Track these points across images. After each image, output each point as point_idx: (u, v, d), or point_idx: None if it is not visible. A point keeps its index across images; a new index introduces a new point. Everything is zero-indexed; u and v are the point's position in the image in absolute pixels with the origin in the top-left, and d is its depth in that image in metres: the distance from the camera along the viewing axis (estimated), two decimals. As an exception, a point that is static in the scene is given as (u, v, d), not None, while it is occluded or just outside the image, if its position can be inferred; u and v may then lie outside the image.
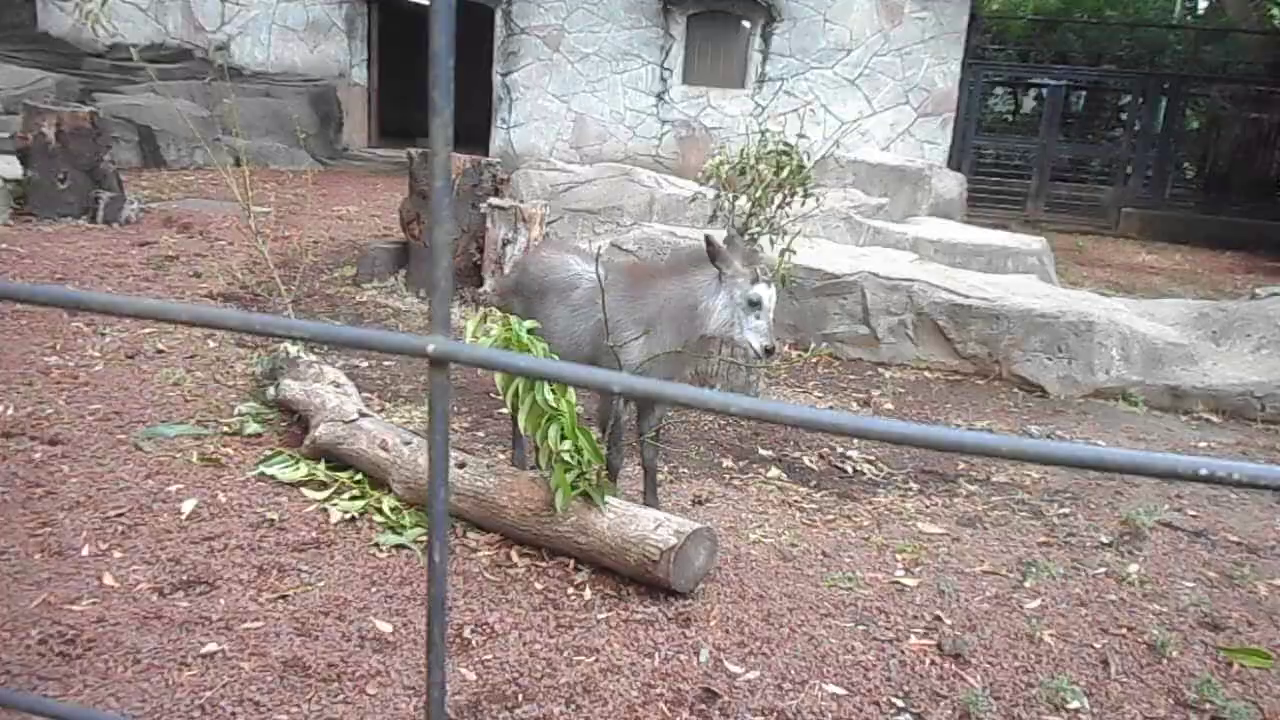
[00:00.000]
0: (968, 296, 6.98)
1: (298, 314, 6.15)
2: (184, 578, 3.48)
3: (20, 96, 11.30)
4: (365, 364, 6.10)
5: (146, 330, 6.21)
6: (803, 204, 5.91)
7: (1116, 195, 16.29)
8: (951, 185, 12.27)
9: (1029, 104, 19.74)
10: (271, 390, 5.05)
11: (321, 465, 4.38)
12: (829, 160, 9.94)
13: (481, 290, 7.45)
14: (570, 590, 3.64)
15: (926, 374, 6.98)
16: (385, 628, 3.28)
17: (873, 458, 5.36)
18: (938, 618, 3.65)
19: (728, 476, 4.92)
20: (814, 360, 7.05)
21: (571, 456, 3.61)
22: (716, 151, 6.26)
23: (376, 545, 3.83)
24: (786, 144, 5.74)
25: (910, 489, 4.92)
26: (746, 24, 15.48)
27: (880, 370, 6.99)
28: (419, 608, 3.41)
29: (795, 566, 3.98)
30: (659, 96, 15.95)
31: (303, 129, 12.80)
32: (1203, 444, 5.91)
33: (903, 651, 3.41)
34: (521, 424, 3.71)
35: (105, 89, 13.75)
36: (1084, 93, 18.37)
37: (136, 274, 7.45)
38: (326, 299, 7.56)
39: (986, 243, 9.36)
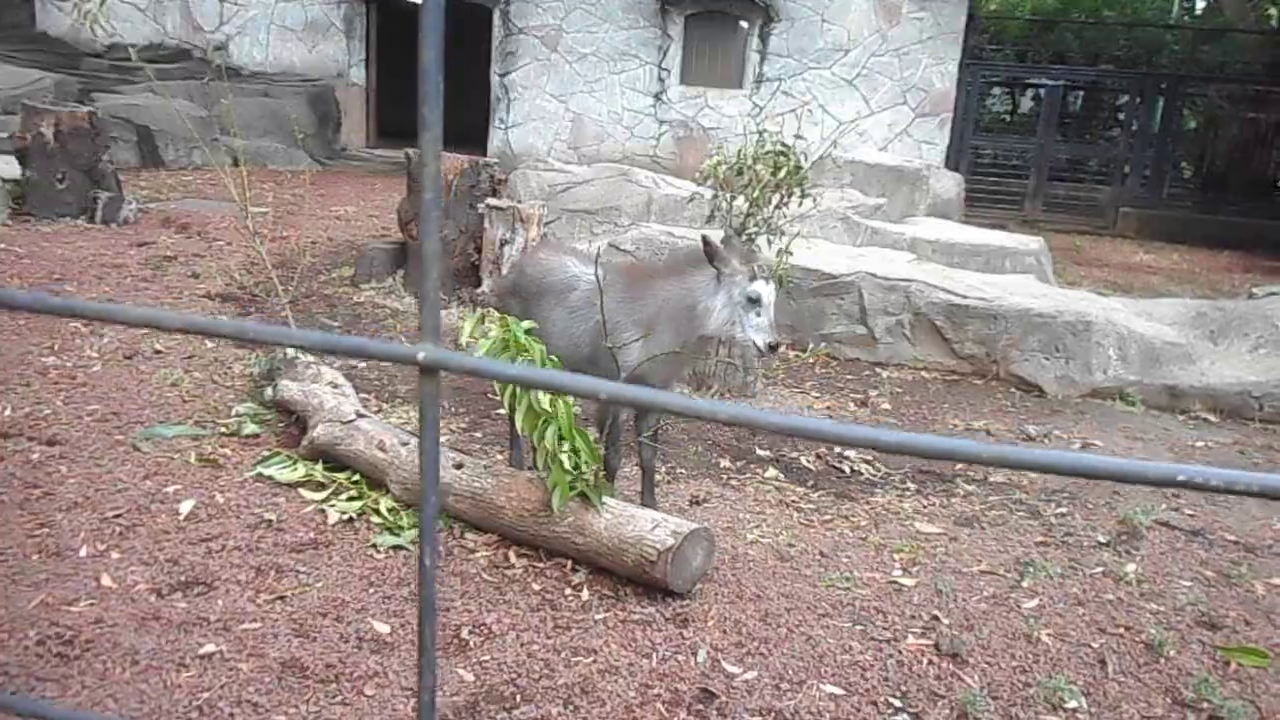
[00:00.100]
0: (965, 296, 6.99)
1: (295, 314, 6.15)
2: (182, 578, 3.48)
3: (18, 96, 11.29)
4: (363, 365, 6.10)
5: (144, 331, 6.21)
6: (800, 204, 5.92)
7: (1114, 195, 16.29)
8: (949, 185, 12.28)
9: (1026, 104, 19.74)
10: (269, 391, 5.05)
11: (319, 466, 4.38)
12: (827, 160, 9.94)
13: (479, 290, 7.45)
14: (568, 591, 3.64)
15: (924, 374, 6.99)
16: (383, 629, 3.29)
17: (870, 458, 5.36)
18: (935, 617, 3.66)
19: (725, 477, 4.92)
20: (811, 360, 7.05)
21: (569, 457, 3.61)
22: (714, 152, 6.27)
23: (374, 546, 3.84)
24: (784, 144, 5.75)
25: (908, 489, 4.92)
26: (744, 24, 15.48)
27: (878, 370, 6.99)
28: (416, 608, 3.41)
29: (793, 566, 3.98)
30: (657, 97, 15.95)
31: (301, 129, 12.80)
32: (1200, 443, 5.92)
33: (900, 651, 3.41)
34: (519, 425, 3.72)
35: (104, 89, 13.74)
36: (1081, 93, 18.37)
37: (135, 274, 7.45)
38: (324, 299, 7.56)
39: (984, 243, 9.37)
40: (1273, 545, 4.50)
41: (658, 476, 4.42)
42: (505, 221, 7.34)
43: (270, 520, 3.95)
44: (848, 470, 5.14)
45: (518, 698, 2.99)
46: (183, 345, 6.02)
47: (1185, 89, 16.70)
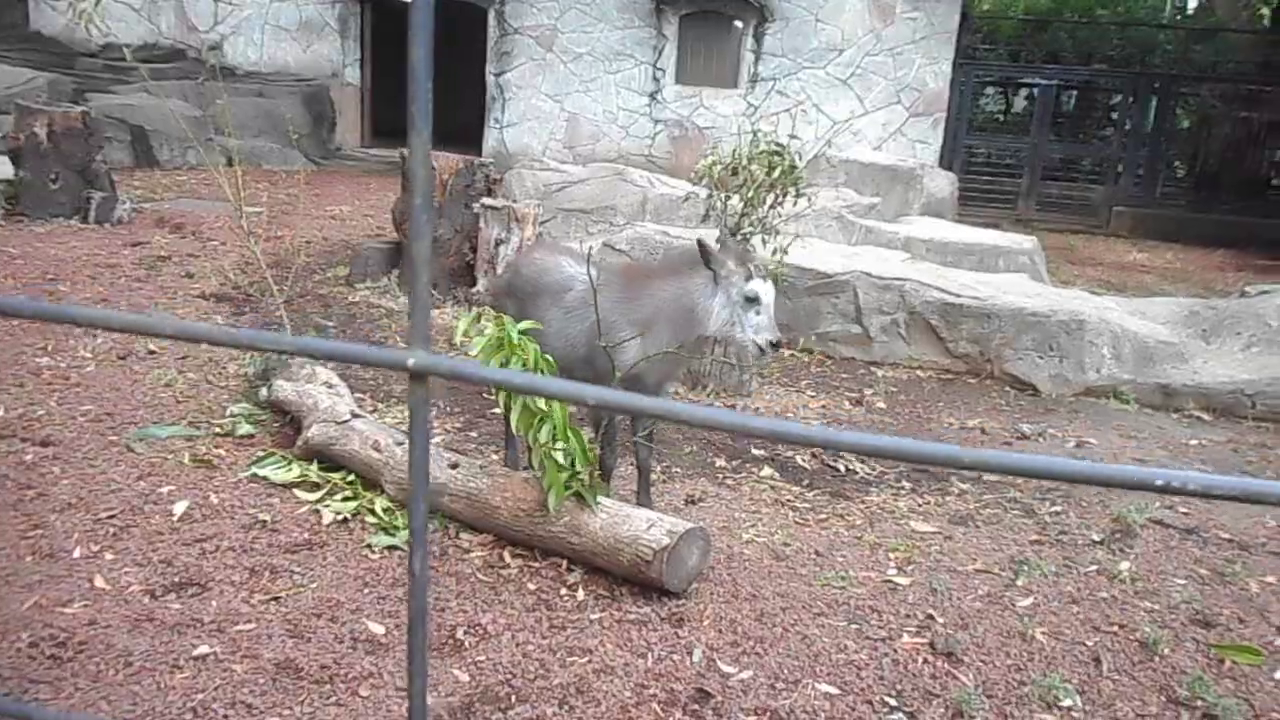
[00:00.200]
0: (959, 295, 7.00)
1: (290, 314, 6.14)
2: (176, 580, 3.47)
3: (12, 96, 11.25)
4: (356, 364, 6.09)
5: (138, 331, 6.19)
6: (795, 204, 5.92)
7: (1107, 194, 16.33)
8: (943, 184, 12.30)
9: (1020, 103, 19.77)
10: (264, 391, 5.04)
11: (314, 466, 4.37)
12: (821, 160, 9.95)
13: (474, 290, 7.45)
14: (563, 591, 3.64)
15: (919, 373, 7.00)
16: (378, 629, 3.28)
17: (865, 457, 5.37)
18: (930, 616, 3.66)
19: (721, 476, 4.92)
20: (807, 359, 7.06)
21: (564, 457, 3.61)
22: (709, 151, 6.27)
23: (369, 546, 3.83)
24: (778, 144, 5.75)
25: (902, 487, 4.93)
26: (739, 24, 15.49)
27: (873, 369, 7.00)
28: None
29: (788, 566, 3.99)
30: (652, 96, 15.95)
31: (296, 129, 12.77)
32: (1194, 441, 5.94)
33: (895, 650, 3.42)
34: (514, 425, 3.71)
35: (98, 89, 13.70)
36: (1075, 92, 18.41)
37: (129, 274, 7.43)
38: (319, 299, 7.54)
39: (978, 242, 9.38)
40: (1266, 543, 4.51)
41: (653, 476, 4.42)
42: (500, 221, 7.34)
43: (265, 521, 3.95)
44: (843, 469, 5.15)
45: (513, 698, 2.99)
46: (177, 345, 6.00)
47: (1178, 88, 16.74)
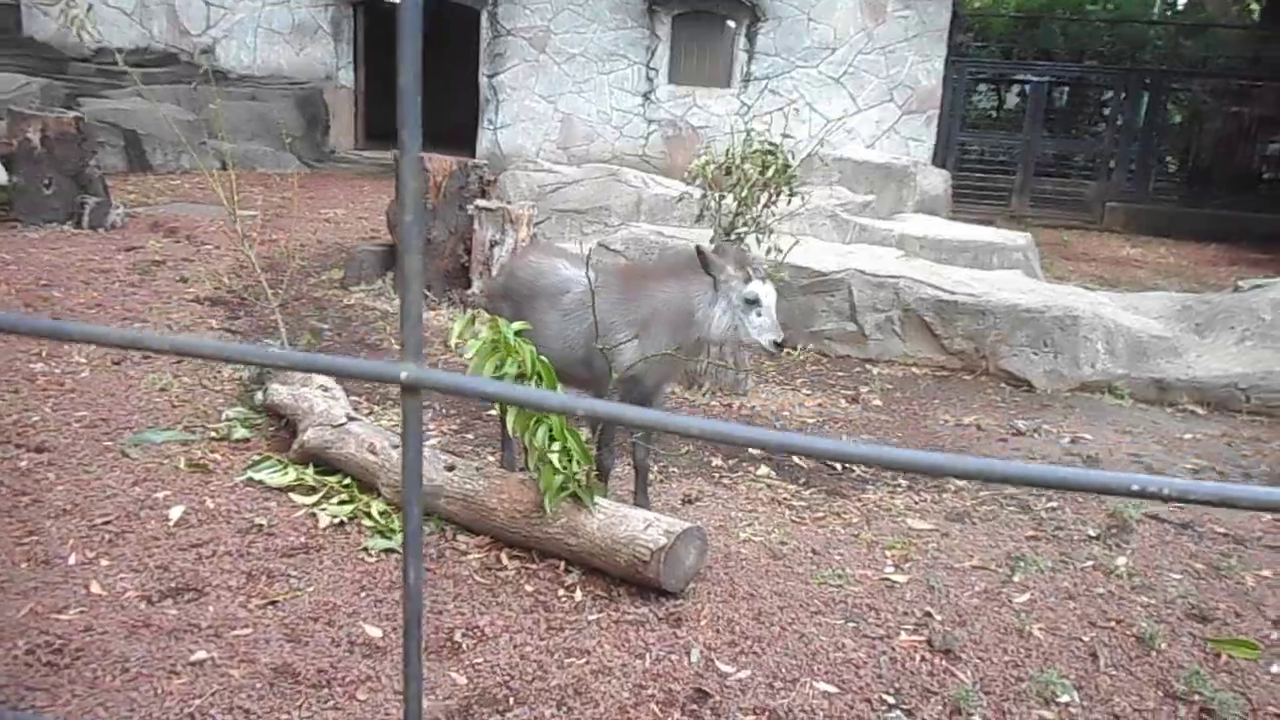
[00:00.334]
0: (954, 292, 7.01)
1: (285, 318, 6.12)
2: (172, 585, 3.46)
3: (5, 102, 11.21)
4: (353, 367, 6.08)
5: (132, 336, 6.18)
6: (788, 203, 5.93)
7: (1100, 190, 16.37)
8: (937, 182, 12.32)
9: (1012, 100, 19.82)
10: (259, 395, 5.04)
11: (310, 470, 4.37)
12: (815, 158, 9.97)
13: (469, 292, 7.44)
14: (561, 592, 3.64)
15: (914, 370, 7.01)
16: (375, 632, 3.28)
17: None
18: (927, 614, 3.67)
19: (717, 475, 4.93)
20: (802, 358, 7.06)
21: (560, 458, 3.61)
22: (702, 151, 6.28)
23: (366, 550, 3.83)
24: (771, 143, 5.76)
25: (899, 485, 4.94)
26: (731, 24, 15.49)
27: (868, 367, 7.01)
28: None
29: (785, 564, 3.99)
30: (645, 96, 15.95)
31: (289, 132, 12.74)
32: (1188, 436, 5.95)
33: (893, 648, 3.42)
34: (510, 426, 3.72)
35: (90, 94, 13.67)
36: (1067, 88, 18.45)
37: (122, 279, 7.41)
38: (314, 302, 7.54)
39: (972, 239, 9.40)
40: (1262, 537, 4.53)
41: (650, 476, 4.42)
42: (495, 223, 7.33)
43: (261, 525, 3.94)
44: (839, 467, 5.15)
45: (511, 700, 2.99)
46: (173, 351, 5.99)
47: (1169, 84, 16.79)
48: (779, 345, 3.87)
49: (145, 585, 3.45)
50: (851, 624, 3.56)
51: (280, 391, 4.84)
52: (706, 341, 3.95)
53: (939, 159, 15.24)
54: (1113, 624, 3.67)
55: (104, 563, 3.57)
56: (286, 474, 4.35)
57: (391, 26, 18.22)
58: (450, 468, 4.04)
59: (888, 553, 4.16)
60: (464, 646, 3.24)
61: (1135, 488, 0.56)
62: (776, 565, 3.98)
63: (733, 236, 6.03)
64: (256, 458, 4.53)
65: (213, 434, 4.78)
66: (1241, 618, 3.78)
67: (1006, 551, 4.24)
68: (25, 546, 3.62)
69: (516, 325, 3.71)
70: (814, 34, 15.35)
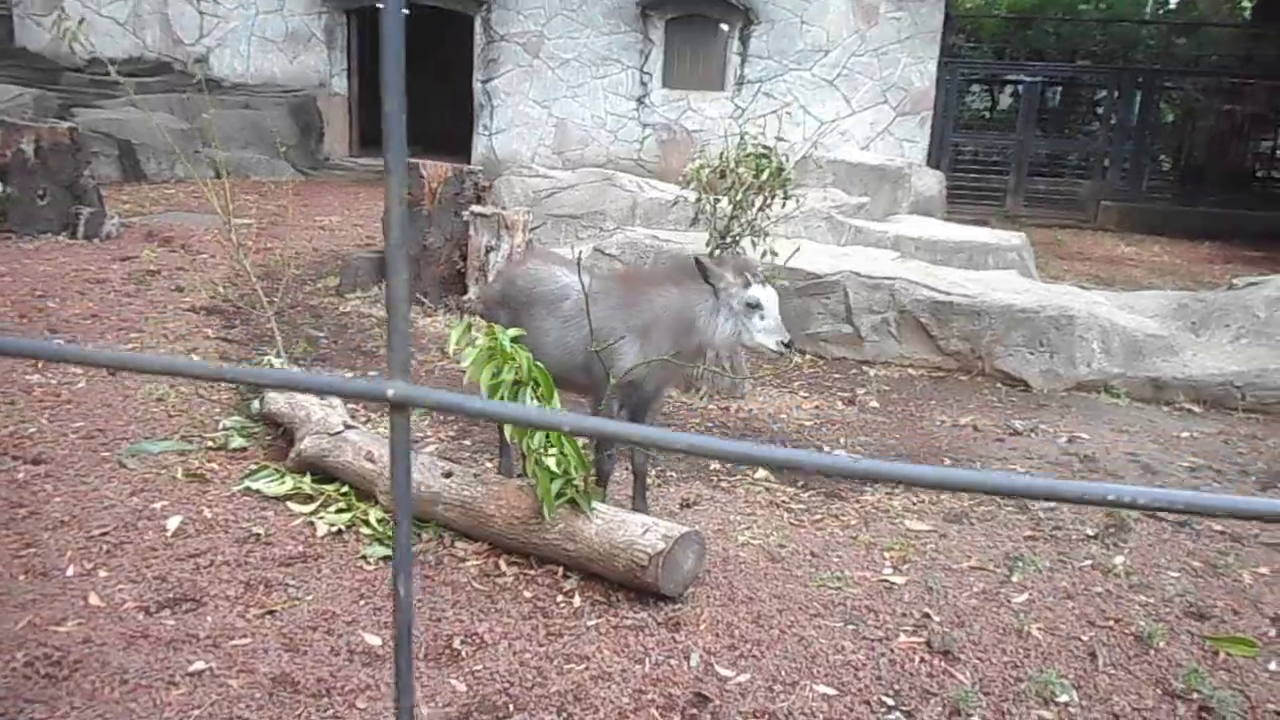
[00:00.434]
0: (949, 293, 7.02)
1: (281, 326, 6.12)
2: (170, 595, 3.46)
3: (-4, 113, 11.21)
4: (350, 374, 6.09)
5: (129, 346, 6.17)
6: (783, 205, 5.94)
7: (1094, 189, 16.40)
8: (931, 183, 12.34)
9: (1005, 100, 19.87)
10: (256, 404, 5.03)
11: (307, 478, 4.36)
12: (809, 161, 9.98)
13: (465, 298, 7.45)
14: (559, 598, 3.64)
15: (910, 371, 7.02)
16: (374, 641, 3.28)
17: (858, 456, 5.38)
18: (926, 615, 3.67)
19: (715, 479, 4.93)
20: (799, 360, 7.07)
21: (558, 464, 3.61)
22: (697, 155, 6.29)
23: (364, 558, 3.83)
24: (765, 146, 5.77)
25: (896, 487, 4.94)
26: (724, 27, 15.52)
27: (865, 369, 7.02)
28: (408, 619, 3.40)
29: (784, 567, 3.99)
30: (639, 100, 15.97)
31: (283, 140, 12.75)
32: (1185, 434, 5.96)
33: (892, 650, 3.43)
34: (508, 432, 3.73)
35: (84, 104, 13.67)
36: (1059, 88, 18.49)
37: (118, 289, 7.41)
38: (310, 309, 7.53)
39: (967, 239, 9.42)
40: (1259, 535, 4.53)
41: (649, 480, 4.42)
42: (490, 228, 7.34)
43: (259, 534, 3.94)
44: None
45: (510, 707, 2.99)
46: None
47: (1162, 83, 16.84)
48: (787, 345, 3.88)
49: (143, 596, 3.44)
50: (850, 626, 3.56)
51: (277, 400, 4.83)
52: (710, 349, 3.96)
53: (933, 160, 15.28)
54: (1111, 623, 3.68)
55: (102, 574, 3.56)
56: (284, 483, 4.34)
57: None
58: (448, 474, 4.04)
59: (886, 554, 4.17)
60: (463, 653, 3.24)
61: (1110, 497, 0.57)
62: (775, 568, 3.98)
63: (728, 240, 6.04)
64: (254, 467, 4.52)
65: (210, 443, 4.77)
66: (1239, 615, 3.79)
67: (1004, 552, 4.24)
68: (23, 559, 3.61)
69: (513, 332, 3.72)
70: (807, 37, 15.38)
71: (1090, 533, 4.46)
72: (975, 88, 19.31)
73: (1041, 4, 20.03)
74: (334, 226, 11.02)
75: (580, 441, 3.82)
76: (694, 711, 3.02)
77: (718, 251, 6.05)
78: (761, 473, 5.03)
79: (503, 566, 3.82)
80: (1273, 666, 3.45)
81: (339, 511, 4.14)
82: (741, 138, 6.05)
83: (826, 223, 8.98)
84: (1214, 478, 5.28)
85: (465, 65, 16.42)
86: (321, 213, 11.77)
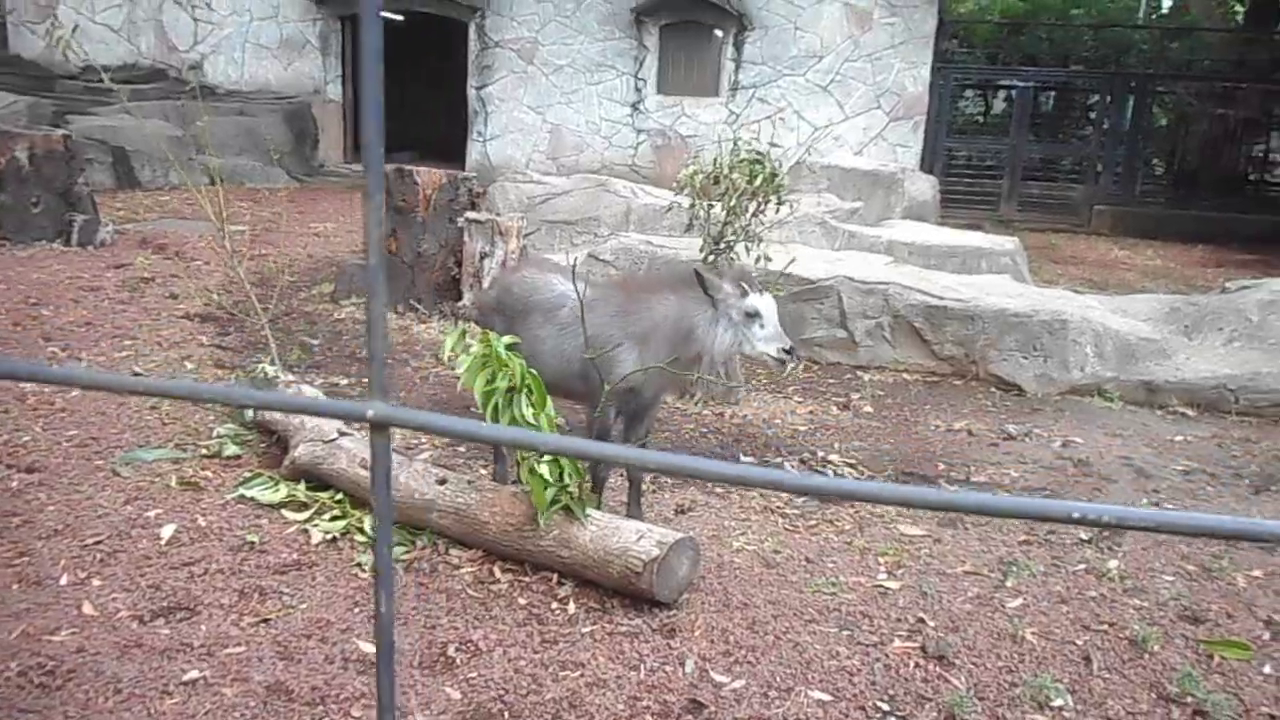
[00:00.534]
0: (943, 298, 7.04)
1: (275, 333, 6.12)
2: (164, 604, 3.45)
3: (-10, 121, 11.20)
4: (345, 382, 6.08)
5: (123, 354, 6.17)
6: (777, 211, 5.95)
7: (1088, 193, 16.47)
8: (924, 188, 12.37)
9: (999, 105, 19.95)
10: (250, 412, 5.02)
11: (301, 486, 4.36)
12: (803, 166, 10.00)
13: (460, 304, 7.45)
14: (554, 605, 3.64)
15: (905, 376, 7.03)
16: (369, 649, 3.27)
17: (853, 461, 5.39)
18: (921, 620, 3.68)
19: (710, 484, 4.93)
20: (793, 365, 7.07)
21: (552, 471, 3.61)
22: (691, 161, 6.30)
23: (359, 565, 3.82)
24: (758, 152, 5.78)
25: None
26: (718, 33, 15.56)
27: (859, 373, 7.03)
28: (402, 628, 3.40)
29: (779, 573, 3.99)
30: (634, 106, 16.00)
31: (278, 147, 12.75)
32: (1179, 438, 5.98)
33: (887, 655, 3.43)
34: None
35: (78, 111, 13.66)
36: (1053, 93, 18.58)
37: (112, 296, 7.40)
38: (305, 316, 7.53)
39: (960, 244, 9.44)
40: (1252, 538, 4.54)
41: (643, 486, 4.43)
42: (485, 235, 7.34)
43: (253, 542, 3.93)
44: (831, 475, 5.16)
45: (505, 714, 2.98)
46: (161, 368, 5.99)
47: (1154, 87, 16.92)
48: (788, 352, 3.89)
49: (137, 605, 3.43)
50: (845, 631, 3.56)
51: (271, 407, 4.82)
52: (709, 359, 3.96)
53: (926, 165, 15.32)
54: (1106, 627, 3.69)
55: (96, 583, 3.55)
56: (278, 490, 4.34)
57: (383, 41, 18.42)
58: (442, 481, 4.04)
59: (880, 559, 4.17)
60: (458, 661, 3.24)
61: (1076, 515, 0.58)
62: (770, 574, 3.98)
63: (722, 245, 6.05)
64: (248, 475, 4.52)
65: (204, 451, 4.76)
66: (1233, 619, 3.80)
67: (999, 556, 4.25)
68: (16, 568, 3.60)
69: (507, 339, 3.72)
70: (801, 42, 15.43)
71: (1084, 537, 4.47)
72: (969, 93, 19.38)
73: (1034, 9, 20.12)
74: (329, 233, 11.01)
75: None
76: (689, 718, 3.02)
77: (711, 257, 6.05)
78: (756, 478, 5.03)
79: (497, 573, 3.82)
80: (1267, 670, 3.45)
81: (333, 519, 4.14)
82: (735, 143, 6.06)
83: (820, 228, 9.00)
84: (1208, 481, 5.29)
85: (460, 72, 16.45)
86: (316, 219, 11.77)
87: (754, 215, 6.04)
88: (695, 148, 13.28)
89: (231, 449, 4.79)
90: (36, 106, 13.33)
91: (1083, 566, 4.18)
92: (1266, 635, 3.69)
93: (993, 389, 6.81)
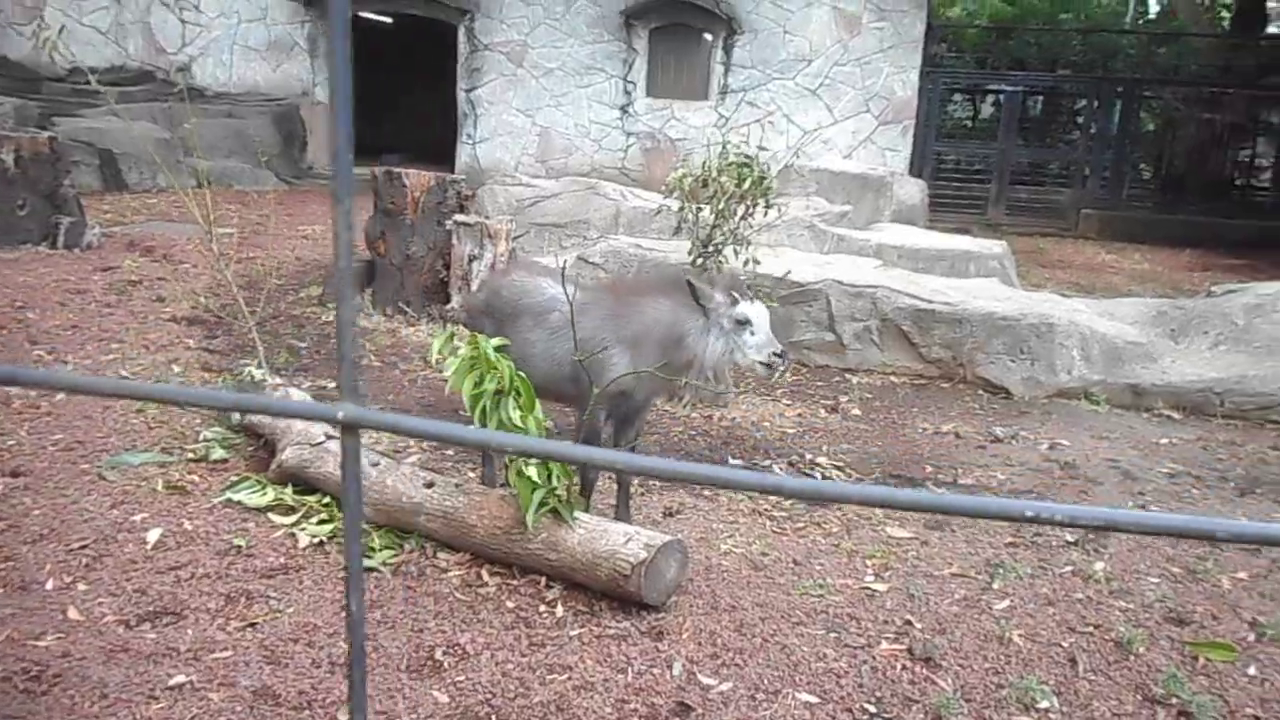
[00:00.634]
0: (931, 301, 7.07)
1: (263, 336, 6.10)
2: (150, 609, 3.44)
3: (-25, 123, 11.14)
4: (333, 385, 6.06)
5: (109, 357, 6.14)
6: (765, 214, 5.97)
7: (1075, 197, 16.55)
8: (913, 191, 12.41)
9: (987, 110, 20.04)
10: (237, 415, 5.01)
11: (289, 489, 4.34)
12: (792, 170, 10.03)
13: (448, 307, 7.44)
14: (542, 608, 3.64)
15: (893, 379, 7.05)
16: (356, 652, 3.26)
17: (841, 464, 5.41)
18: (908, 622, 3.69)
19: (698, 487, 4.93)
20: (781, 368, 7.09)
21: (539, 473, 3.61)
22: (680, 164, 6.31)
23: (346, 569, 3.81)
24: (747, 156, 5.80)
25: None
26: (708, 37, 15.59)
27: (847, 376, 7.05)
28: (389, 631, 3.39)
29: (766, 575, 4.00)
30: (623, 109, 16.02)
31: (266, 149, 12.71)
32: (1164, 440, 6.01)
33: (874, 657, 3.44)
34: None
35: (65, 113, 13.60)
36: (1040, 97, 18.67)
37: (99, 300, 7.36)
38: (293, 319, 7.51)
39: (948, 247, 9.47)
40: (1237, 539, 4.57)
41: (631, 489, 4.43)
42: (473, 237, 7.34)
43: (240, 546, 3.92)
44: (819, 477, 5.18)
45: (493, 718, 2.98)
46: (148, 371, 5.96)
47: (1142, 92, 17.02)
48: (779, 356, 3.90)
49: (123, 609, 3.42)
50: (833, 634, 3.57)
51: (259, 411, 4.81)
52: (700, 367, 3.97)
53: (915, 169, 15.37)
54: (1091, 629, 3.70)
55: (81, 587, 3.53)
56: (265, 494, 4.32)
57: (369, 42, 18.21)
58: (429, 484, 4.04)
59: (868, 562, 4.18)
60: (445, 665, 3.23)
61: (1030, 514, 0.59)
62: (758, 576, 3.99)
63: (710, 249, 6.07)
64: (235, 478, 4.50)
65: (190, 455, 4.75)
66: (1218, 620, 3.82)
67: (986, 559, 4.27)
68: (1, 572, 3.58)
69: (496, 341, 3.72)
70: (790, 46, 15.47)
71: (1070, 539, 4.49)
72: (957, 97, 19.47)
73: (1022, 14, 20.23)
74: (317, 236, 10.99)
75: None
76: (677, 721, 3.02)
77: (700, 260, 6.07)
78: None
79: (485, 577, 3.82)
80: (1251, 671, 3.48)
81: (321, 523, 4.12)
82: (724, 147, 6.08)
83: (809, 231, 9.02)
84: (1193, 484, 5.33)
85: (448, 75, 16.43)
86: (305, 221, 11.74)
87: (743, 218, 6.06)
88: (684, 151, 13.31)
89: (218, 452, 4.78)
90: (23, 108, 13.26)
91: (1069, 569, 4.20)
92: (1251, 637, 3.71)
93: (980, 392, 6.83)
